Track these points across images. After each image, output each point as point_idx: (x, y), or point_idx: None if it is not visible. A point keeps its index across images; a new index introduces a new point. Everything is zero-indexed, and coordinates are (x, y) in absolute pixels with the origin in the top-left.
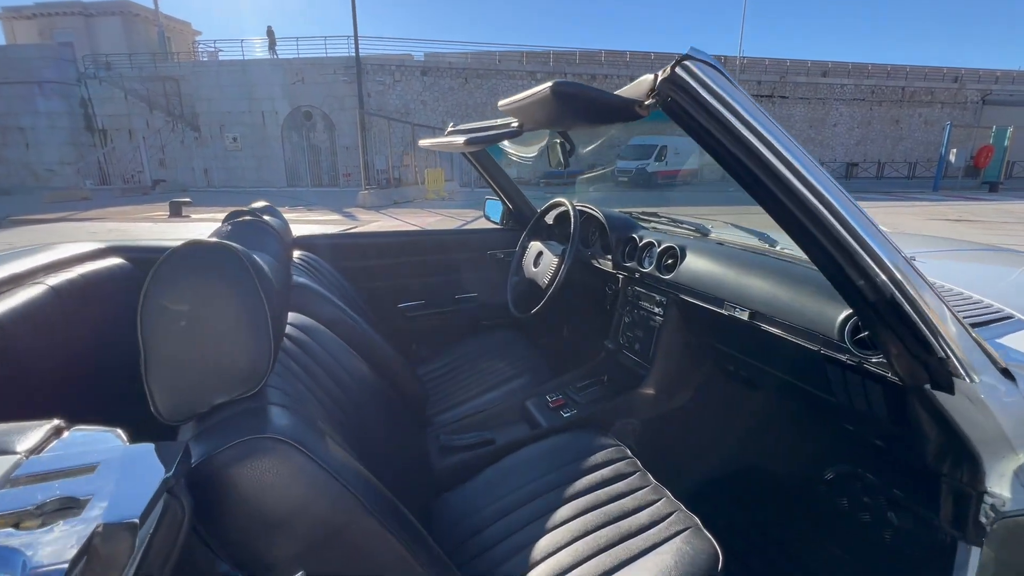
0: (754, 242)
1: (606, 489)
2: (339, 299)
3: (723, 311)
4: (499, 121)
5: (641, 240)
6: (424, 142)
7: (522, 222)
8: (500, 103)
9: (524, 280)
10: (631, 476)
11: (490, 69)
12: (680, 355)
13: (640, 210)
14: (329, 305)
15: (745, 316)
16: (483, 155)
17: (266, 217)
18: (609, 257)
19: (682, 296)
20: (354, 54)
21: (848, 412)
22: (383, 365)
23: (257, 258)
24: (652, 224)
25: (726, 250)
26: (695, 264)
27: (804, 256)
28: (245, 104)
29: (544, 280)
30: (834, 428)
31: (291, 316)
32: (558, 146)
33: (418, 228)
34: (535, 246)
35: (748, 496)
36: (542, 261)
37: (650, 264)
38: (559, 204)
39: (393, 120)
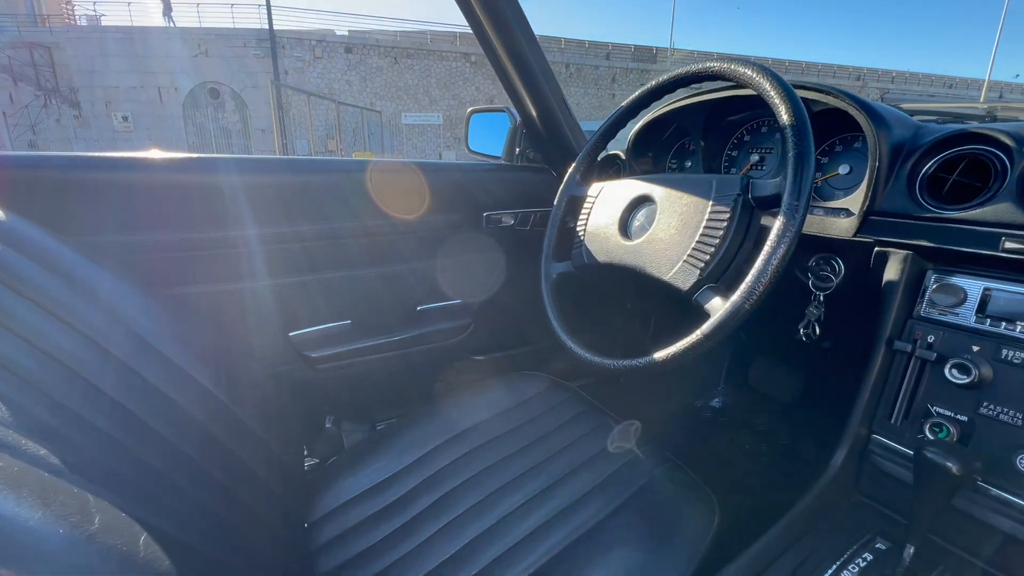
0: None
1: None
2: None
3: None
4: None
5: None
6: None
7: (559, 153)
8: None
9: (594, 268)
10: None
11: (421, 49)
12: None
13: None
14: None
15: None
16: None
17: None
18: (844, 208)
19: None
20: (265, 25)
21: None
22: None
23: None
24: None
25: None
26: None
27: None
28: (136, 78)
29: (687, 264)
30: None
31: None
32: None
33: (336, 157)
34: (620, 191)
35: None
36: (655, 225)
37: None
38: (698, 74)
39: (314, 96)
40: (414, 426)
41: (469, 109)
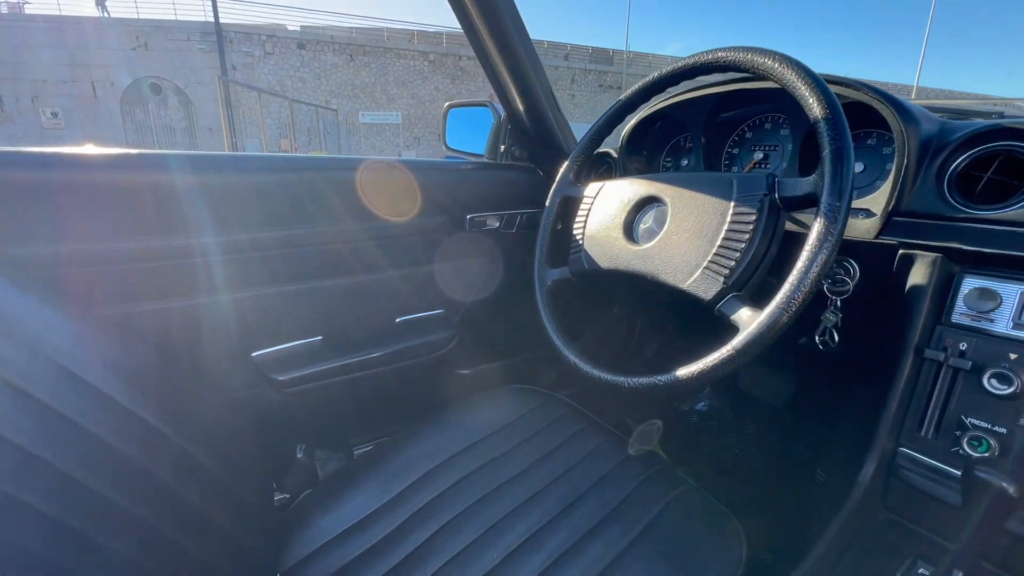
0: None
1: None
2: None
3: None
4: None
5: None
6: None
7: (547, 151)
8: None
9: (596, 275)
10: None
11: (378, 47)
12: None
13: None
14: None
15: None
16: None
17: None
18: (863, 208)
19: None
20: (210, 18)
21: None
22: None
23: None
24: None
25: None
26: None
27: None
28: (67, 72)
29: (709, 271)
30: None
31: None
32: None
33: (293, 152)
34: (622, 190)
35: None
36: (667, 228)
37: None
38: (708, 64)
39: (265, 93)
40: (397, 452)
41: (447, 103)
